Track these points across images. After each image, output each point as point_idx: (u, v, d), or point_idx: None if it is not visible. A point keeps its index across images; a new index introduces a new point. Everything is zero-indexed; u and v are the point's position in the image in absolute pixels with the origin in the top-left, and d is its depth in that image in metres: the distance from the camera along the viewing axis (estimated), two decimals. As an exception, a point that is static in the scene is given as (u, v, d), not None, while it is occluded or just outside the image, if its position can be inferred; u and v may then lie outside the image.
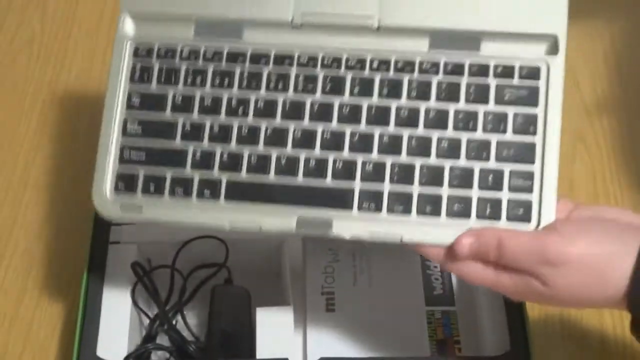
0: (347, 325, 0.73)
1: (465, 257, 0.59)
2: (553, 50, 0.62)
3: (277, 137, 0.62)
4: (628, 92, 0.91)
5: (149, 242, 0.75)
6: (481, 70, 0.62)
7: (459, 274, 0.60)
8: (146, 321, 0.74)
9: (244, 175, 0.62)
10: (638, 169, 0.86)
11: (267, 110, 0.63)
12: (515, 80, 0.62)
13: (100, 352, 0.69)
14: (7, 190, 0.87)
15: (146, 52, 0.65)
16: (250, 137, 0.63)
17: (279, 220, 0.61)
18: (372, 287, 0.75)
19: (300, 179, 0.62)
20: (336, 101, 0.63)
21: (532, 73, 0.61)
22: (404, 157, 0.61)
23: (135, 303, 0.72)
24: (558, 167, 0.60)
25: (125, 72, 0.65)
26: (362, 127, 0.62)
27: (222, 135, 0.63)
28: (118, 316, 0.71)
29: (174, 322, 0.74)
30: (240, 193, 0.62)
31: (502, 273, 0.58)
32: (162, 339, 0.74)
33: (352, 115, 0.62)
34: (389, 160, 0.61)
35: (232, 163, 0.62)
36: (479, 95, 0.62)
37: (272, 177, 0.62)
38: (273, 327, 0.70)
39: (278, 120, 0.63)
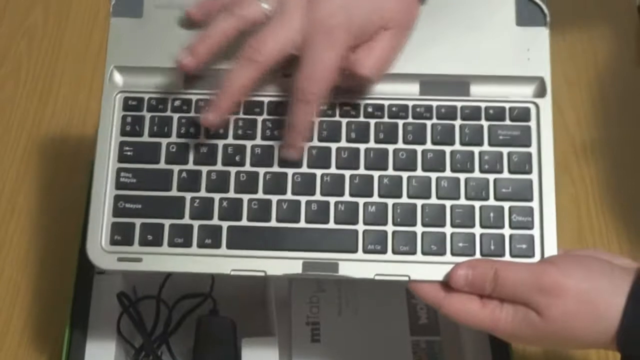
0: (332, 356, 0.75)
1: (461, 288, 0.62)
2: (541, 92, 0.67)
3: (276, 184, 0.65)
4: (612, 123, 0.97)
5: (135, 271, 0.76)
6: (473, 113, 0.66)
7: (456, 313, 0.62)
8: (132, 352, 0.75)
9: (245, 222, 0.64)
10: (622, 200, 0.91)
11: (264, 157, 0.65)
12: (507, 122, 0.66)
13: (85, 383, 0.70)
14: (-7, 218, 0.90)
15: (136, 104, 0.67)
16: (249, 184, 0.65)
17: (284, 265, 0.63)
18: (357, 317, 0.78)
19: (302, 224, 0.64)
20: (333, 146, 0.66)
21: (523, 114, 0.66)
22: (405, 199, 0.65)
23: (120, 333, 0.74)
24: (555, 202, 0.64)
25: (116, 125, 0.66)
26: (362, 171, 0.65)
27: (220, 183, 0.65)
28: (103, 346, 0.73)
29: (159, 353, 0.75)
30: (242, 240, 0.64)
31: (498, 308, 0.61)
32: (148, 370, 0.75)
33: (350, 159, 0.65)
34: (390, 203, 0.64)
35: (232, 211, 0.64)
36: (473, 137, 0.66)
37: (274, 223, 0.64)
38: (258, 358, 0.72)
39: (276, 167, 0.65)
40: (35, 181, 0.92)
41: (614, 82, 1.00)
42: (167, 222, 0.64)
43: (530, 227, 0.64)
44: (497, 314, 0.61)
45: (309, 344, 0.76)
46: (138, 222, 0.64)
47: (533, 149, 0.66)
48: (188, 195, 0.65)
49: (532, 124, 0.66)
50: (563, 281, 0.60)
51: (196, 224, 0.64)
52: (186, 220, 0.64)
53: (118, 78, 0.68)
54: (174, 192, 0.65)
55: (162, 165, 0.66)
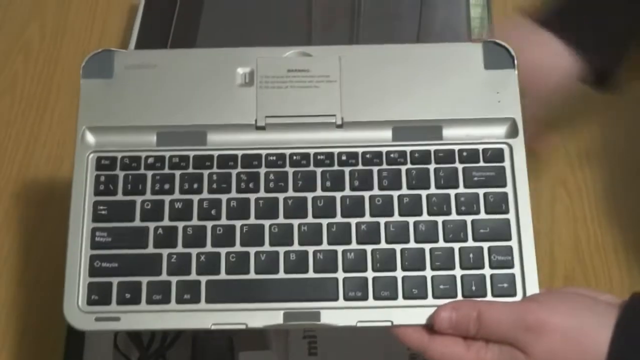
0: None
1: (445, 331, 0.62)
2: (513, 133, 0.68)
3: (253, 236, 0.65)
4: (607, 133, 0.98)
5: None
6: (447, 156, 0.68)
7: (441, 356, 0.62)
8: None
9: (223, 276, 0.64)
10: (618, 210, 0.92)
11: (240, 210, 0.66)
12: (481, 164, 0.67)
13: (81, 399, 0.70)
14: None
15: (109, 163, 0.68)
16: (225, 238, 0.65)
17: (265, 316, 0.63)
18: (355, 330, 0.77)
19: (282, 274, 0.64)
20: (309, 196, 0.66)
21: (496, 156, 0.68)
22: (383, 245, 0.65)
23: (117, 348, 0.75)
24: (534, 240, 0.65)
25: (89, 184, 0.67)
26: (338, 219, 0.66)
27: (196, 238, 0.65)
28: None
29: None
30: (221, 294, 0.64)
31: (483, 349, 0.61)
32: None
33: (326, 208, 0.66)
34: (369, 249, 0.65)
35: (210, 265, 0.65)
36: (449, 180, 0.67)
37: (252, 275, 0.64)
38: None
39: (252, 219, 0.66)
40: (32, 197, 0.93)
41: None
42: (144, 280, 0.64)
43: (511, 266, 0.64)
44: (482, 355, 0.61)
45: (306, 357, 0.77)
46: (115, 280, 0.64)
47: (509, 189, 0.67)
48: (165, 252, 0.65)
49: (506, 164, 0.67)
50: (547, 318, 0.60)
51: (174, 279, 0.64)
52: (164, 276, 0.64)
53: (90, 138, 0.68)
54: (150, 250, 0.65)
55: (137, 223, 0.66)
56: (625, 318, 0.60)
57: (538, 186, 0.91)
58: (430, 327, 0.63)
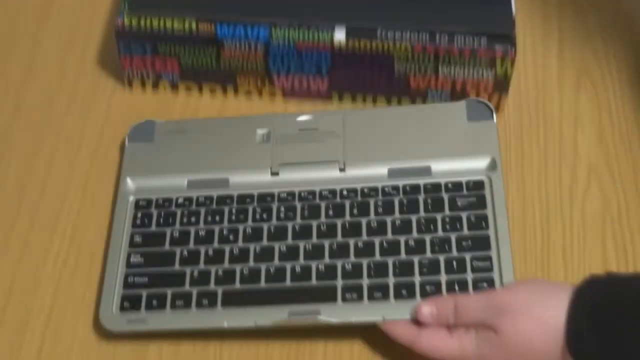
0: None
1: (429, 323, 0.71)
2: (492, 168, 0.79)
3: (265, 254, 0.76)
4: (633, 23, 0.97)
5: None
6: (434, 188, 0.79)
7: (428, 347, 0.70)
8: None
9: (237, 286, 0.75)
10: None
11: (254, 235, 0.78)
12: (464, 192, 0.78)
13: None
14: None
15: (146, 204, 0.81)
16: (241, 256, 0.77)
17: (272, 315, 0.73)
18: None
19: (288, 283, 0.75)
20: (314, 222, 0.78)
21: (478, 185, 0.78)
22: (377, 257, 0.75)
23: None
24: (511, 252, 0.74)
25: (127, 220, 0.80)
26: (339, 238, 0.77)
27: (216, 258, 0.77)
28: None
29: None
30: (235, 300, 0.74)
31: (463, 334, 0.69)
32: None
33: (329, 231, 0.77)
34: (365, 261, 0.75)
35: (227, 277, 0.75)
36: (435, 206, 0.78)
37: (263, 285, 0.75)
38: None
39: (265, 242, 0.77)
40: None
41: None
42: (169, 290, 0.75)
43: (490, 270, 0.73)
44: (464, 340, 0.69)
45: None
46: (145, 292, 0.76)
47: (489, 211, 0.77)
48: (188, 269, 0.76)
49: (487, 191, 0.78)
50: (510, 297, 0.69)
51: (195, 290, 0.75)
52: (186, 288, 0.75)
53: (131, 184, 0.82)
54: (176, 267, 0.77)
55: (166, 247, 0.78)
56: (580, 289, 0.67)
57: (562, 75, 0.92)
58: (416, 321, 0.71)
